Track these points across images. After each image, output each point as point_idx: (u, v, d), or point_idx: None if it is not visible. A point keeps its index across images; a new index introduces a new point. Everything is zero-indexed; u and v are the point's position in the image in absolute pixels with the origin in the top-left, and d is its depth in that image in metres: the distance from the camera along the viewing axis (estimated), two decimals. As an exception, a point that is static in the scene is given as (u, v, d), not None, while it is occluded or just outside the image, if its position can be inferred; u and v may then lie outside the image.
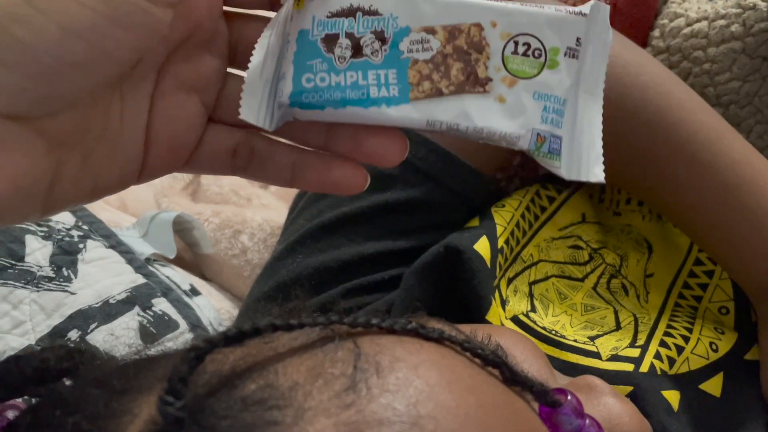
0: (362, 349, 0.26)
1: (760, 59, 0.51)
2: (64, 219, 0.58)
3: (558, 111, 0.30)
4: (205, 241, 0.66)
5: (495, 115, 0.29)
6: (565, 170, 0.30)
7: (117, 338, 0.51)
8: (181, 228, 0.66)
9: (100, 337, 0.52)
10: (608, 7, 0.30)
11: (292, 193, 0.61)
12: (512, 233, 0.51)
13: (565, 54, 0.29)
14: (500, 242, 0.49)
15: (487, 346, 0.29)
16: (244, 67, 0.31)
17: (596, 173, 0.30)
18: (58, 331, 0.52)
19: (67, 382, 0.32)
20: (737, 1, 0.51)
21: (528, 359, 0.34)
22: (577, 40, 0.30)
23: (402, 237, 0.51)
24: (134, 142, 0.30)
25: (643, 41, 0.56)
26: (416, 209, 0.51)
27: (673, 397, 0.44)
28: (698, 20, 0.53)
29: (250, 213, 0.68)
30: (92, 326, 0.52)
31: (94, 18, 0.24)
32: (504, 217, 0.51)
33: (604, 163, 0.30)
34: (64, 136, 0.28)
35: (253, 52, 0.30)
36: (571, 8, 0.30)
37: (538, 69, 0.29)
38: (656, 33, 0.55)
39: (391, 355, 0.26)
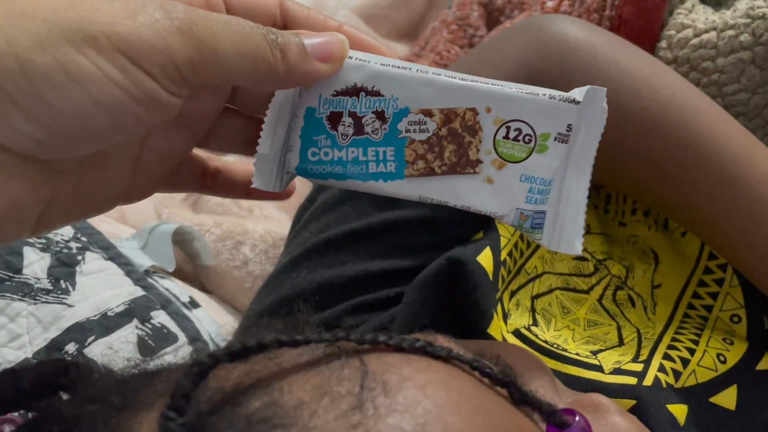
0: (369, 368, 0.26)
1: (769, 70, 0.51)
2: (62, 231, 0.58)
3: (543, 191, 0.32)
4: (205, 253, 0.66)
5: (482, 195, 0.31)
6: (546, 241, 0.32)
7: (116, 352, 0.51)
8: (182, 239, 0.65)
9: (98, 351, 0.51)
10: (605, 90, 0.31)
11: (294, 204, 0.61)
12: (516, 245, 0.50)
13: (555, 139, 0.31)
14: (503, 254, 0.48)
15: (495, 365, 0.29)
16: (242, 106, 0.34)
17: (575, 247, 0.32)
18: (56, 345, 0.51)
19: (65, 397, 0.32)
20: (746, 11, 0.51)
21: (535, 377, 0.34)
22: (568, 126, 0.31)
23: (410, 255, 0.50)
24: (125, 169, 0.31)
25: (649, 52, 0.55)
26: (425, 227, 0.50)
27: (679, 411, 0.43)
28: (706, 31, 0.52)
29: (252, 224, 0.68)
30: (90, 339, 0.52)
31: (122, 97, 0.25)
32: (508, 228, 0.50)
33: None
34: (64, 167, 0.28)
35: (263, 126, 0.32)
36: (564, 95, 0.31)
37: (527, 153, 0.31)
38: (663, 44, 0.55)
39: (399, 374, 0.26)
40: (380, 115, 0.31)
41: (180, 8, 0.26)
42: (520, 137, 0.31)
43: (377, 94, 0.31)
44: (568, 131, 0.31)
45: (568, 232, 0.32)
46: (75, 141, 0.26)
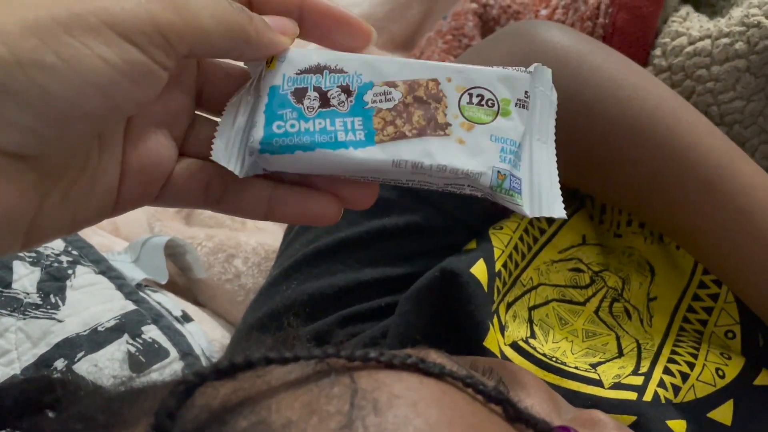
0: (359, 385, 0.25)
1: (764, 78, 0.51)
2: (53, 244, 0.57)
3: (514, 152, 0.32)
4: (198, 266, 0.65)
5: (456, 154, 0.32)
6: (527, 207, 0.32)
7: (100, 370, 0.50)
8: (174, 252, 0.65)
9: (87, 366, 0.50)
10: (550, 70, 0.33)
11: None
12: (510, 256, 0.50)
13: (516, 104, 0.33)
14: (498, 265, 0.48)
15: (489, 381, 0.28)
16: (210, 108, 0.34)
17: (558, 210, 0.32)
18: (45, 361, 0.50)
19: (51, 415, 0.31)
20: (741, 19, 0.51)
21: (531, 394, 0.33)
22: (525, 93, 0.33)
23: (400, 263, 0.49)
24: (111, 175, 0.31)
25: (643, 60, 0.55)
26: (415, 234, 0.50)
27: (678, 426, 0.43)
28: (701, 38, 0.52)
29: (245, 237, 0.67)
30: (79, 355, 0.51)
31: (113, 74, 0.26)
32: (502, 239, 0.50)
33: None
34: (51, 170, 0.28)
35: (227, 104, 0.32)
36: (517, 68, 0.33)
37: (493, 116, 0.32)
38: (658, 52, 0.54)
39: (390, 392, 0.25)
40: (345, 89, 0.32)
41: None
42: (483, 102, 0.32)
43: (341, 71, 0.32)
44: (526, 97, 0.33)
45: (547, 197, 0.33)
46: (67, 124, 0.26)
